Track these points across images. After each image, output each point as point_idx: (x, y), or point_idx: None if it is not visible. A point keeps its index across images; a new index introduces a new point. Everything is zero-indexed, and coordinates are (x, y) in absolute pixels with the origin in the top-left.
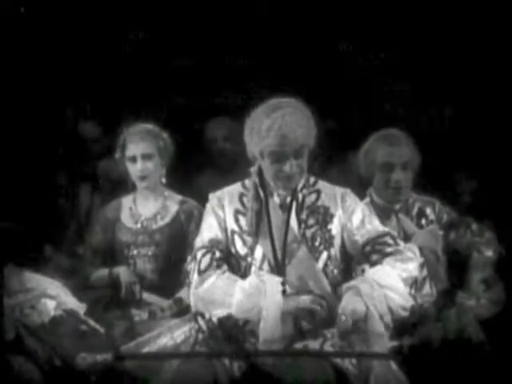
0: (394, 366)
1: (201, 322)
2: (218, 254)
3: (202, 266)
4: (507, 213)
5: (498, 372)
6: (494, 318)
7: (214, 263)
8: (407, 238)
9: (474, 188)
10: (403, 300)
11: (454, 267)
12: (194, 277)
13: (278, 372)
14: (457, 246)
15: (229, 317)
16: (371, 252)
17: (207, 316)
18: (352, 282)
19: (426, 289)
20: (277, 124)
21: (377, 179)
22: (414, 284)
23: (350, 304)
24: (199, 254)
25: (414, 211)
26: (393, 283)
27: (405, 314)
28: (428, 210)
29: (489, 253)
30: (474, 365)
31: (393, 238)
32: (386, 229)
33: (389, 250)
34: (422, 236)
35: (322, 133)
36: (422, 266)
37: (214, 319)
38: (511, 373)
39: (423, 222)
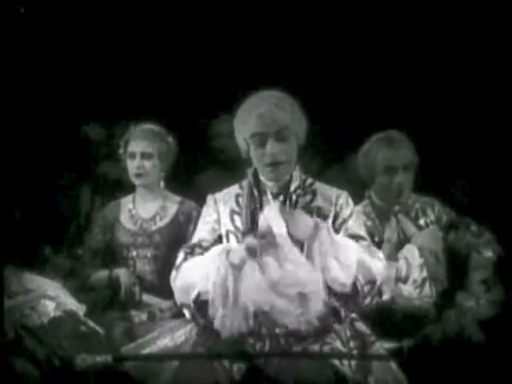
0: (393, 367)
1: (187, 313)
2: (197, 251)
3: (178, 261)
4: (507, 213)
5: (497, 372)
6: (494, 318)
7: (189, 257)
8: (406, 238)
9: (473, 189)
10: (345, 270)
11: (453, 268)
12: (172, 273)
13: (278, 374)
14: (456, 247)
15: (203, 296)
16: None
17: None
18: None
19: (426, 290)
20: (255, 106)
21: (378, 182)
22: (372, 284)
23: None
24: (181, 252)
25: (414, 212)
26: (347, 253)
27: (338, 287)
28: (427, 211)
29: (488, 253)
30: (474, 365)
31: (369, 244)
32: (366, 235)
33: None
34: (422, 237)
35: (317, 132)
36: (421, 267)
37: (192, 304)
38: (511, 373)
39: (422, 222)
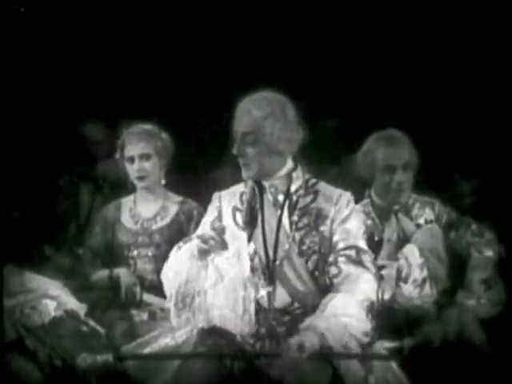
0: (394, 366)
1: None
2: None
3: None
4: (507, 213)
5: (498, 372)
6: (495, 318)
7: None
8: (407, 237)
9: (473, 188)
10: (363, 325)
11: (454, 267)
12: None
13: (279, 374)
14: (457, 246)
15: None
16: (332, 263)
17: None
18: (307, 321)
19: (426, 289)
20: (240, 105)
21: (378, 181)
22: (371, 307)
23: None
24: (175, 247)
25: (414, 211)
26: (350, 311)
27: (366, 339)
28: (428, 211)
29: (489, 253)
30: (475, 365)
31: (358, 252)
32: (359, 243)
33: (346, 267)
34: (422, 236)
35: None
36: (421, 267)
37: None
38: (511, 373)
39: (423, 222)
